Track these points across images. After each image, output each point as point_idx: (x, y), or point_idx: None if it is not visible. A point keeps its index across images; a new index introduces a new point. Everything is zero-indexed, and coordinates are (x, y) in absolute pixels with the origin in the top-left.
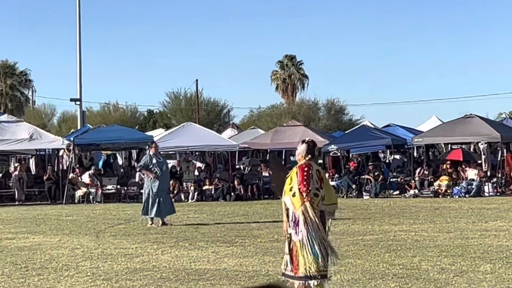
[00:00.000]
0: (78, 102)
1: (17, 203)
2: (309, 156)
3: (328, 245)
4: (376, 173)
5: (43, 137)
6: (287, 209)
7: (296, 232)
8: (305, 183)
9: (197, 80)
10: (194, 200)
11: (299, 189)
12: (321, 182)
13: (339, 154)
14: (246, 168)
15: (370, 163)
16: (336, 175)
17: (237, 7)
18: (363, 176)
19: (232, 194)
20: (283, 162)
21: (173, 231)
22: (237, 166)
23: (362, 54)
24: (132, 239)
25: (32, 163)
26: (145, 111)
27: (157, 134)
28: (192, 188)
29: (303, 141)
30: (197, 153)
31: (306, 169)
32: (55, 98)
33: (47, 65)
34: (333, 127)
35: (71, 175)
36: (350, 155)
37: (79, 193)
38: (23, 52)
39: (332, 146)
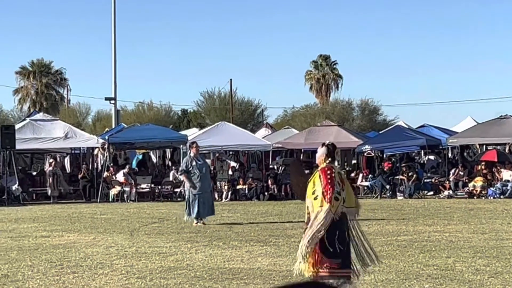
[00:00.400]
0: (112, 101)
1: (51, 201)
2: (329, 159)
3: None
4: (409, 174)
5: (78, 135)
6: (309, 213)
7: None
8: (329, 186)
9: (231, 80)
10: (227, 199)
11: (323, 192)
12: (343, 184)
13: (373, 154)
14: (280, 167)
15: (403, 164)
16: (370, 175)
17: (272, 6)
18: (397, 177)
19: (266, 193)
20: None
21: (207, 230)
22: (270, 166)
23: (397, 54)
24: (166, 238)
25: (67, 161)
26: (179, 111)
27: (191, 133)
28: (226, 187)
29: (323, 144)
30: (231, 153)
31: (329, 172)
32: (90, 97)
33: (82, 64)
34: (367, 127)
35: (105, 174)
36: (384, 156)
37: (113, 191)
38: (59, 51)
39: (366, 146)
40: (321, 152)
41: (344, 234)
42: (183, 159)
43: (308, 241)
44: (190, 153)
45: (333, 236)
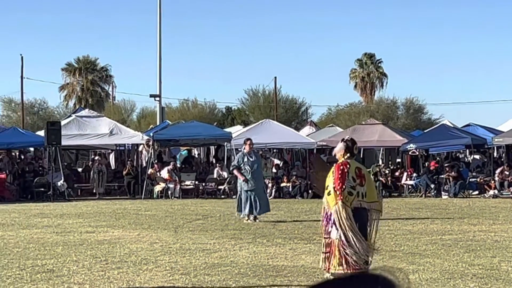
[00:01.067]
0: (157, 98)
1: (96, 197)
2: (348, 154)
3: (361, 240)
4: (453, 173)
5: (123, 132)
6: (325, 207)
7: (335, 229)
8: (339, 181)
9: (275, 78)
10: (271, 197)
11: (334, 187)
12: (362, 179)
13: (417, 153)
14: None
15: (447, 163)
16: (414, 174)
17: (318, 4)
18: (442, 176)
19: (310, 191)
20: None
21: (250, 228)
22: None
23: (442, 52)
24: (210, 235)
25: (112, 158)
26: (224, 108)
27: (235, 131)
28: (269, 185)
29: (342, 140)
30: (275, 150)
31: (342, 167)
32: (135, 94)
33: (128, 61)
34: (412, 126)
35: (150, 170)
36: (429, 154)
37: (157, 188)
38: (105, 48)
39: (411, 145)
40: (339, 147)
41: (365, 227)
42: (227, 156)
43: (346, 244)
44: (243, 149)
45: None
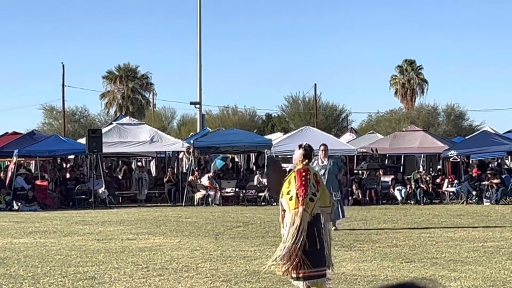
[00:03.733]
0: (197, 106)
1: (137, 204)
2: (306, 160)
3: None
4: (495, 180)
5: (163, 139)
6: (283, 211)
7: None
8: (303, 188)
9: (315, 84)
10: None
11: (296, 194)
12: (318, 185)
13: (458, 159)
14: (365, 172)
15: (489, 170)
16: (455, 181)
17: (357, 10)
18: (484, 182)
19: (350, 198)
20: (403, 167)
21: None
22: (355, 171)
23: (483, 58)
24: (250, 242)
25: (152, 165)
26: (264, 115)
27: (276, 138)
28: None
29: (300, 146)
30: (314, 157)
31: (304, 174)
32: (175, 101)
33: (168, 69)
34: (453, 132)
35: (190, 178)
36: (470, 161)
37: (198, 195)
38: (145, 55)
39: (452, 151)
40: (298, 154)
41: (320, 232)
42: (267, 163)
43: (292, 245)
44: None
45: (313, 234)
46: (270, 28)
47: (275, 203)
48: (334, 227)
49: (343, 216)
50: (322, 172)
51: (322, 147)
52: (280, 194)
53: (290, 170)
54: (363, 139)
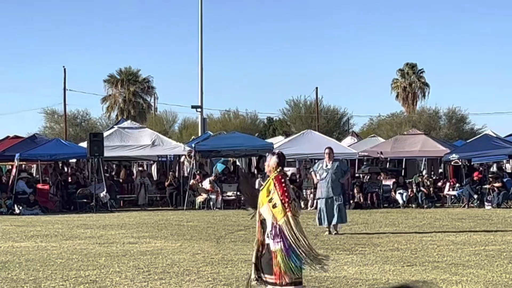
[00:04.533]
0: (199, 109)
1: (139, 207)
2: (280, 167)
3: (310, 250)
4: (496, 183)
5: (164, 143)
6: (262, 220)
7: (277, 241)
8: (286, 194)
9: (317, 88)
10: (313, 207)
11: (281, 201)
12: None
13: (460, 163)
14: (366, 176)
15: (490, 174)
16: (457, 185)
17: (358, 14)
18: (485, 186)
19: (352, 202)
20: (404, 171)
21: None
22: (356, 174)
23: (484, 62)
24: (252, 246)
25: (154, 169)
26: (265, 119)
27: (277, 141)
28: (311, 195)
29: (273, 153)
30: (316, 161)
31: (283, 180)
32: (176, 105)
33: (169, 73)
34: (454, 136)
35: (191, 181)
36: (472, 164)
37: (199, 199)
38: (146, 59)
39: (453, 155)
40: (273, 161)
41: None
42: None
43: (302, 252)
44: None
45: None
46: (271, 32)
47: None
48: (335, 232)
49: (345, 221)
50: (324, 175)
51: (327, 150)
52: (255, 205)
53: (293, 174)
54: (364, 142)
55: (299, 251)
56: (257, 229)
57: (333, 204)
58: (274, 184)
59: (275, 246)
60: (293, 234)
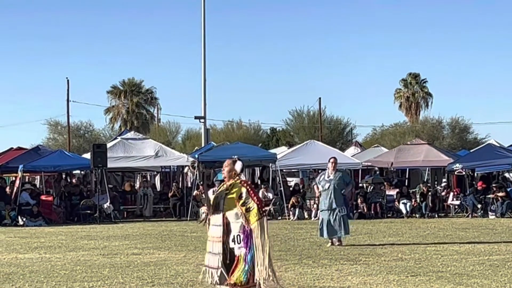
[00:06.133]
0: (202, 120)
1: (142, 218)
2: (241, 173)
3: (269, 260)
4: (500, 193)
5: (168, 154)
6: (227, 224)
7: (242, 246)
8: (259, 197)
9: (320, 98)
10: (316, 218)
11: (258, 205)
12: None
13: (464, 173)
14: (369, 186)
15: (494, 184)
16: (461, 194)
17: (361, 25)
18: (489, 196)
19: (355, 212)
20: (408, 181)
21: (296, 249)
22: (360, 185)
23: (487, 72)
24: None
25: (157, 180)
26: (268, 129)
27: (280, 151)
28: (314, 205)
29: (235, 160)
30: (319, 171)
31: (252, 186)
32: (179, 116)
33: (172, 83)
34: (458, 145)
35: (195, 192)
36: (475, 174)
37: (203, 209)
38: (149, 70)
39: (457, 164)
40: (238, 166)
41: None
42: (272, 178)
43: (267, 259)
44: (328, 166)
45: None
46: (274, 42)
47: (280, 217)
48: (338, 243)
49: (347, 232)
50: (327, 186)
51: (331, 160)
52: (217, 210)
53: (296, 184)
54: (367, 152)
55: (259, 255)
56: (217, 234)
57: (336, 216)
58: (248, 190)
59: (240, 251)
60: (263, 237)
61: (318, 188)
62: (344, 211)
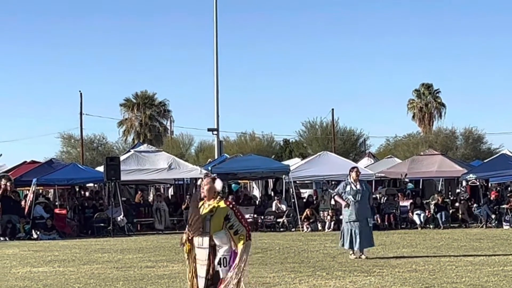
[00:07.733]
0: (215, 132)
1: (156, 231)
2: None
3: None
4: None
5: (181, 166)
6: (213, 246)
7: (227, 269)
8: (246, 220)
9: (333, 109)
10: (330, 229)
11: (245, 227)
12: None
13: (477, 183)
14: (383, 197)
15: (509, 193)
16: (474, 205)
17: (373, 35)
18: (503, 206)
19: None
20: (422, 191)
21: (310, 261)
22: (373, 196)
23: (501, 81)
24: (269, 268)
25: (170, 192)
26: (281, 141)
27: (293, 163)
28: (328, 217)
29: (213, 178)
30: (333, 182)
31: (237, 207)
32: (192, 128)
33: (185, 96)
34: (471, 156)
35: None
36: (489, 185)
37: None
38: (162, 83)
39: (471, 175)
40: (219, 184)
41: None
42: (285, 189)
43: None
44: (349, 177)
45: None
46: (287, 54)
47: (294, 229)
48: (363, 255)
49: (372, 244)
50: (358, 197)
51: (355, 169)
52: (203, 230)
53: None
54: (381, 163)
55: (234, 272)
56: (203, 257)
57: (367, 227)
58: (235, 211)
59: (225, 274)
60: (243, 258)
61: (342, 198)
62: (372, 222)
